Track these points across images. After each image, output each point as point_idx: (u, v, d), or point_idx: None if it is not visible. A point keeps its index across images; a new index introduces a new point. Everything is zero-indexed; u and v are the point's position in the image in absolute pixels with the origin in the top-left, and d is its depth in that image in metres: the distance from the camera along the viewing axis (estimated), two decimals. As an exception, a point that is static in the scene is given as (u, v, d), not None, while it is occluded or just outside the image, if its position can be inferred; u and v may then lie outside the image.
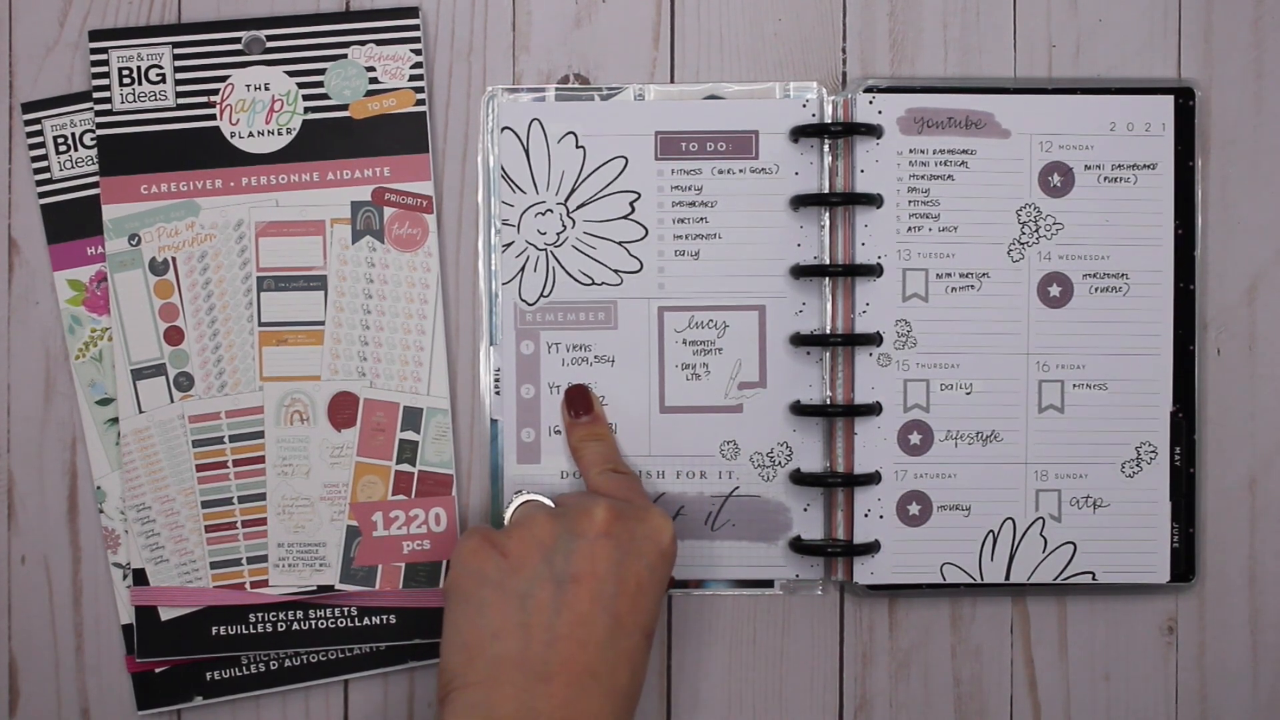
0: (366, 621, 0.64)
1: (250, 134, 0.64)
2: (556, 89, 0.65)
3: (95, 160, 0.64)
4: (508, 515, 0.61)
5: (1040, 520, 0.64)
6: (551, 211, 0.64)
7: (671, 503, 0.64)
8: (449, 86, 0.65)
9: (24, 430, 0.65)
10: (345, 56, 0.64)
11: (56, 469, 0.65)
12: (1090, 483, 0.64)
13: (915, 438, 0.64)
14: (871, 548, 0.64)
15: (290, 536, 0.64)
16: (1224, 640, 0.65)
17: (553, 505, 0.60)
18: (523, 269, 0.64)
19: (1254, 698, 0.65)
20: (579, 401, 0.64)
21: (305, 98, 0.64)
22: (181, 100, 0.64)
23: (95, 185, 0.64)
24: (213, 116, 0.64)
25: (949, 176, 0.64)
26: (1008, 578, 0.64)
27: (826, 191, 0.64)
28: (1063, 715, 0.65)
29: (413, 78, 0.64)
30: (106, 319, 0.64)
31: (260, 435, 0.64)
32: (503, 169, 0.64)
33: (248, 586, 0.64)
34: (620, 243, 0.64)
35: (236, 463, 0.64)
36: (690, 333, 0.64)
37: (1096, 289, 0.64)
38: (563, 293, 0.64)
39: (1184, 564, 0.64)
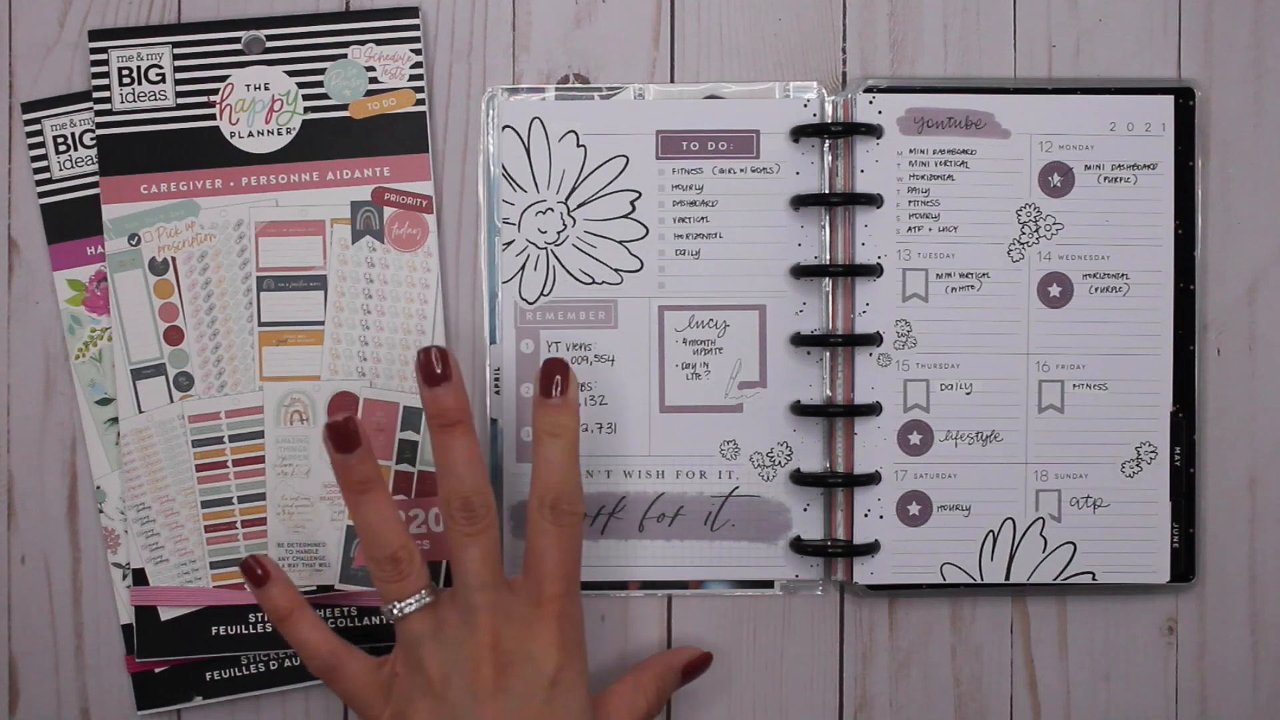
0: (366, 621, 0.64)
1: (250, 134, 0.64)
2: (556, 89, 0.65)
3: (95, 160, 0.64)
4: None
5: (1040, 520, 0.64)
6: (552, 210, 0.64)
7: (671, 502, 0.64)
8: (449, 86, 0.65)
9: (24, 430, 0.64)
10: (345, 56, 0.64)
11: (56, 469, 0.65)
12: (1090, 483, 0.64)
13: (915, 438, 0.64)
14: (871, 548, 0.64)
15: (290, 536, 0.64)
16: (1224, 640, 0.65)
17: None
18: (523, 268, 0.64)
19: (1254, 698, 0.65)
20: (554, 378, 0.58)
21: (305, 97, 0.64)
22: (181, 100, 0.64)
23: (95, 185, 0.64)
24: (212, 116, 0.64)
25: (949, 176, 0.64)
26: (1008, 578, 0.64)
27: (827, 191, 0.64)
28: (1063, 715, 0.65)
29: (413, 78, 0.64)
30: (106, 319, 0.64)
31: (260, 435, 0.64)
32: (504, 167, 0.64)
33: (248, 587, 0.64)
34: (621, 242, 0.64)
35: (236, 463, 0.64)
36: (690, 332, 0.64)
37: (1096, 289, 0.64)
38: (563, 291, 0.64)
39: (1184, 564, 0.64)
